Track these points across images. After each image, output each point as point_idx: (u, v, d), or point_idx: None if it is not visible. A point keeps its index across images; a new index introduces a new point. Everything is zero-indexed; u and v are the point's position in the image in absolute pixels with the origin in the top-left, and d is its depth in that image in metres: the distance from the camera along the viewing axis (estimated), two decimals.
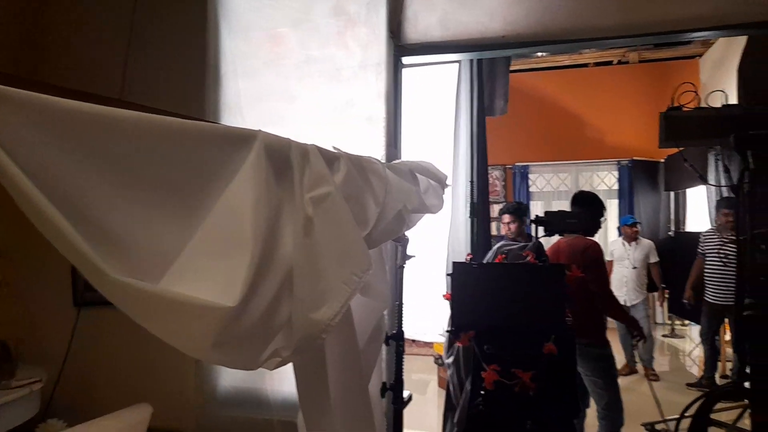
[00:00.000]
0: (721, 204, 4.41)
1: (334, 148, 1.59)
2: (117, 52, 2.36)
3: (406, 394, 2.51)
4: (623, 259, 5.73)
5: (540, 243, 1.87)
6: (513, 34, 2.11)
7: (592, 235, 2.96)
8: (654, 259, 5.68)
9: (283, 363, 1.35)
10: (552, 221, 1.83)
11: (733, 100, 2.89)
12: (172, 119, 0.91)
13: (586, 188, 8.71)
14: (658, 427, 4.16)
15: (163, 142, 0.91)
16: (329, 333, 1.32)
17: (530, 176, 8.76)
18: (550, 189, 8.78)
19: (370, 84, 2.21)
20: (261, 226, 1.21)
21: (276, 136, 1.35)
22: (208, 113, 2.24)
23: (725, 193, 4.43)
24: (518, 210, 3.51)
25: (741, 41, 6.60)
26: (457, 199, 3.18)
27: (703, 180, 2.47)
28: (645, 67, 8.19)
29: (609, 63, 8.61)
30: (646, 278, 5.66)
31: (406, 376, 5.22)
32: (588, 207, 2.88)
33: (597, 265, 2.77)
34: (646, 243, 5.75)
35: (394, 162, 1.97)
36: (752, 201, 2.36)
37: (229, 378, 2.34)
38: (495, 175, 8.89)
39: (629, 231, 5.77)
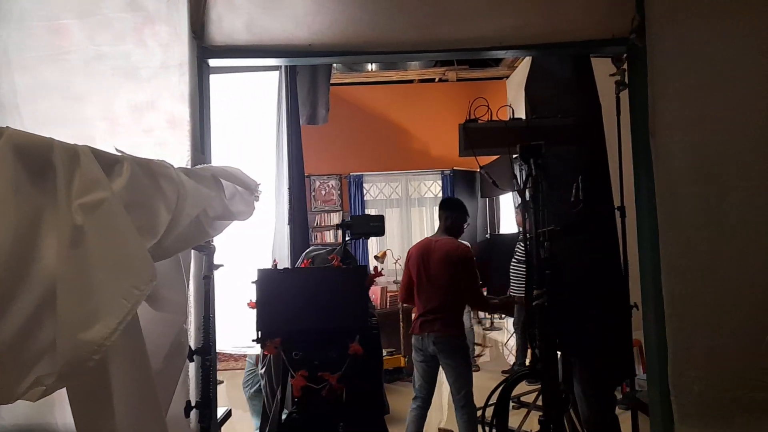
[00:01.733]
0: (517, 208, 5.03)
1: (117, 150, 1.44)
2: None
3: (223, 410, 2.38)
4: None
5: (346, 247, 1.89)
6: (318, 44, 2.12)
7: (457, 236, 3.20)
8: None
9: (49, 392, 1.17)
10: (356, 225, 1.87)
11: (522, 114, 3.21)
12: None
13: (415, 196, 9.25)
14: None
15: None
16: (102, 354, 1.18)
17: (365, 185, 9.02)
18: (383, 197, 9.13)
19: (172, 85, 2.07)
20: (5, 236, 1.04)
21: (32, 135, 1.18)
22: None
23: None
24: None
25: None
26: (280, 207, 3.13)
27: (496, 186, 2.71)
28: (462, 85, 8.93)
29: (432, 80, 9.23)
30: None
31: (233, 392, 4.97)
32: (451, 210, 3.15)
33: (468, 265, 3.03)
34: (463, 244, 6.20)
35: (195, 167, 1.86)
36: (535, 203, 2.64)
37: (7, 414, 2.01)
38: (331, 184, 9.01)
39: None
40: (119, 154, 1.41)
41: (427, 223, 9.18)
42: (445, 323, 3.08)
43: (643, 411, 2.49)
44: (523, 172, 2.68)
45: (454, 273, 3.10)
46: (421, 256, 3.20)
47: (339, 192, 8.99)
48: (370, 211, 8.85)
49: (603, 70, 3.14)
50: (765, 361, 1.99)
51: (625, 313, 2.95)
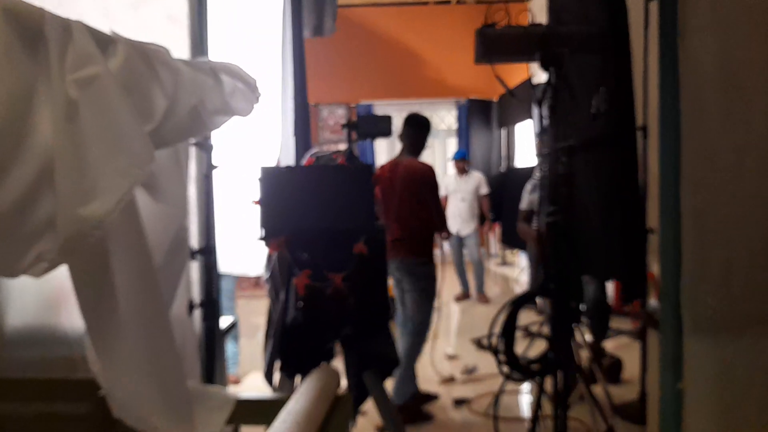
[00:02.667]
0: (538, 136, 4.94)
1: (113, 32, 1.43)
2: None
3: (228, 318, 2.47)
4: (456, 192, 6.16)
5: (351, 149, 1.90)
6: None
7: (419, 154, 3.19)
8: (484, 191, 6.15)
9: (51, 267, 1.22)
10: (363, 125, 1.86)
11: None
12: None
13: None
14: (483, 342, 4.60)
15: None
16: (102, 230, 1.21)
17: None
18: (394, 128, 9.03)
19: None
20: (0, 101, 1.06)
21: (22, 2, 1.17)
22: None
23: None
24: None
25: None
26: (285, 119, 3.12)
27: (511, 94, 2.68)
28: (481, 8, 8.61)
29: (448, 2, 8.92)
30: (478, 210, 6.13)
31: (245, 319, 5.13)
32: (415, 127, 3.12)
33: (433, 187, 3.06)
34: (476, 176, 6.21)
35: (193, 59, 1.84)
36: (553, 116, 2.61)
37: (16, 315, 2.10)
38: (339, 113, 8.93)
39: (458, 165, 6.20)
40: (113, 35, 1.40)
41: (439, 156, 9.13)
42: (409, 248, 3.09)
43: (655, 327, 2.55)
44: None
45: (419, 195, 3.09)
46: (389, 179, 3.18)
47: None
48: (381, 143, 8.80)
49: None
50: None
51: (640, 234, 2.97)
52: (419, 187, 3.13)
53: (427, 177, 3.12)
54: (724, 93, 2.13)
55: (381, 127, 1.89)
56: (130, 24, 2.05)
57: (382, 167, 3.32)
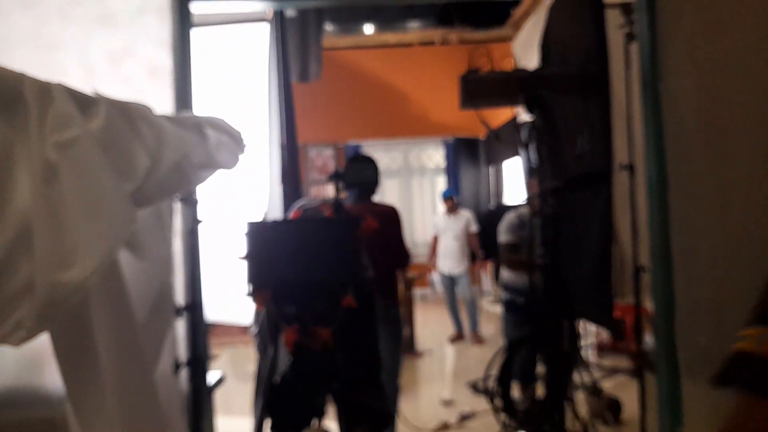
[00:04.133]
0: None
1: (95, 92, 1.43)
2: None
3: (216, 374, 2.41)
4: (446, 230, 6.14)
5: (338, 199, 1.89)
6: None
7: (373, 195, 3.10)
8: (473, 229, 6.14)
9: (30, 336, 1.18)
10: (348, 175, 1.87)
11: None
12: None
13: (415, 166, 9.22)
14: (479, 386, 4.53)
15: None
16: (82, 296, 1.18)
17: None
18: (382, 167, 9.09)
19: (151, 31, 2.05)
20: None
21: (3, 68, 1.17)
22: None
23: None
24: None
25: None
26: (273, 168, 3.12)
27: (498, 138, 2.69)
28: (464, 48, 8.81)
29: (432, 43, 9.12)
30: (468, 248, 6.12)
31: (237, 367, 5.01)
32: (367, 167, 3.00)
33: (397, 226, 3.01)
34: (465, 214, 6.21)
35: (177, 114, 1.85)
36: (539, 157, 2.63)
37: None
38: (327, 153, 8.99)
39: (447, 203, 6.20)
40: (95, 95, 1.41)
41: (427, 194, 9.17)
42: (380, 293, 2.95)
43: (650, 368, 2.53)
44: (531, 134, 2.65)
45: (385, 238, 2.93)
46: None
47: (336, 162, 8.97)
48: None
49: (613, 22, 3.10)
50: None
51: (607, 270, 2.96)
52: (386, 229, 3.01)
53: (393, 215, 3.00)
54: (707, 133, 2.16)
55: (366, 175, 1.89)
56: (113, 78, 2.06)
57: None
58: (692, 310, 2.18)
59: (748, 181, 2.11)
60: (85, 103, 1.35)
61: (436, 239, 6.30)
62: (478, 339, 6.14)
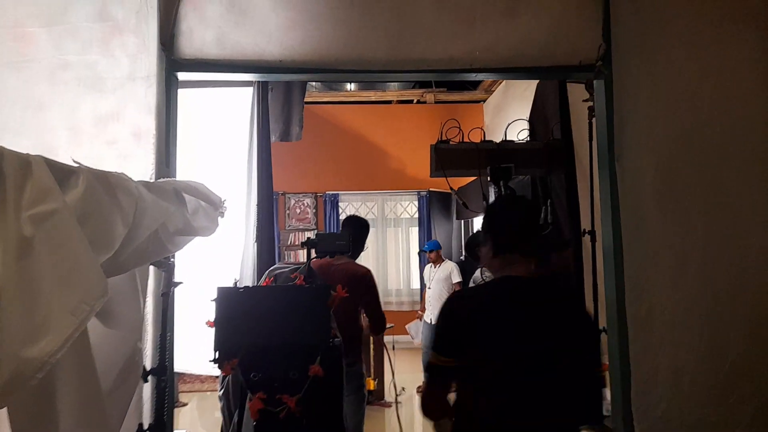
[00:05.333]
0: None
1: (74, 162, 1.42)
2: None
3: None
4: (429, 281, 6.20)
5: (311, 266, 1.88)
6: (290, 60, 2.14)
7: (357, 257, 3.03)
8: (455, 279, 6.14)
9: None
10: (322, 243, 1.86)
11: (498, 137, 3.19)
12: None
13: (391, 216, 9.27)
14: None
15: None
16: (46, 372, 1.14)
17: (340, 204, 9.00)
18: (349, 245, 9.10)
19: (138, 97, 2.05)
20: None
21: None
22: None
23: None
24: None
25: (515, 90, 7.62)
26: (249, 225, 3.10)
27: (466, 207, 2.72)
28: (439, 107, 9.04)
29: (410, 102, 9.33)
30: None
31: (205, 415, 4.82)
32: (358, 230, 2.90)
33: (373, 290, 2.92)
34: (448, 265, 6.26)
35: (156, 180, 1.84)
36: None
37: None
38: (306, 202, 8.98)
39: (430, 255, 6.30)
40: (76, 165, 1.39)
41: (402, 244, 9.19)
42: (345, 352, 2.76)
43: None
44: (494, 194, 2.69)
45: (357, 298, 2.80)
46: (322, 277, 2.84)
47: (314, 210, 8.96)
48: None
49: (578, 95, 3.21)
50: (729, 380, 2.02)
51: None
52: (359, 290, 2.79)
53: (369, 279, 2.89)
54: (663, 203, 2.22)
55: (339, 244, 1.89)
56: (98, 140, 2.05)
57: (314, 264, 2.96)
58: (652, 375, 2.18)
59: (703, 252, 2.17)
60: (64, 175, 1.33)
61: (424, 289, 6.38)
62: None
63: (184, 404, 5.51)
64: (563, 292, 1.60)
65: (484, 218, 1.60)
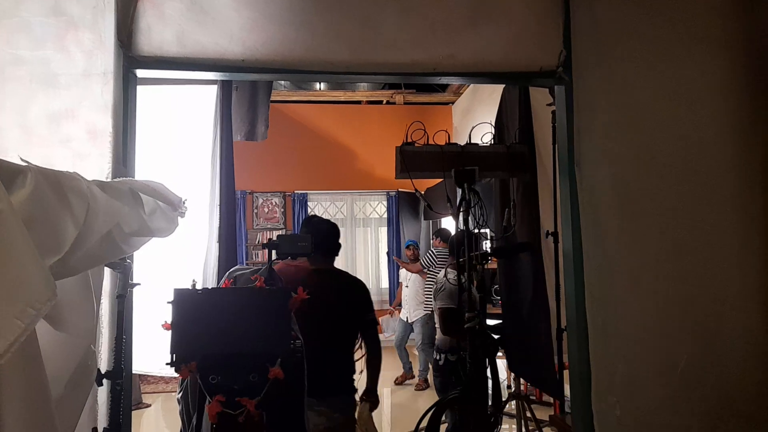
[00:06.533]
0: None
1: (22, 159, 1.37)
2: None
3: None
4: (405, 279, 6.28)
5: (272, 268, 1.85)
6: (252, 59, 2.11)
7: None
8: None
9: None
10: (283, 245, 1.84)
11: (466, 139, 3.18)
12: None
13: (360, 216, 9.25)
14: None
15: None
16: None
17: (309, 203, 8.95)
18: (327, 216, 9.07)
19: (95, 95, 1.99)
20: None
21: None
22: None
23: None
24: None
25: (483, 93, 7.69)
26: (213, 225, 3.05)
27: (431, 209, 2.73)
28: (408, 108, 9.07)
29: (380, 102, 9.33)
30: (424, 296, 6.16)
31: (170, 415, 4.72)
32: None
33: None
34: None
35: (111, 180, 1.79)
36: (467, 226, 2.68)
37: None
38: (275, 201, 8.89)
39: (407, 252, 6.45)
40: (24, 164, 1.34)
41: (371, 244, 9.18)
42: None
43: None
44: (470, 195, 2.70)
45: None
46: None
47: (283, 210, 8.88)
48: None
49: (542, 100, 3.25)
50: (680, 388, 2.07)
51: (547, 337, 3.03)
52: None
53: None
54: (621, 217, 2.26)
55: (301, 246, 1.87)
56: (52, 140, 1.98)
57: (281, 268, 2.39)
58: (608, 382, 2.22)
59: (656, 265, 2.21)
60: (11, 174, 1.27)
61: (401, 287, 6.49)
62: (422, 385, 6.14)
63: (148, 405, 5.39)
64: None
65: None
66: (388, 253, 8.54)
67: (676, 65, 2.20)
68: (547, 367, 3.02)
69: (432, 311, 6.26)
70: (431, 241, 6.60)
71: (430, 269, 5.81)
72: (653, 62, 2.25)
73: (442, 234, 5.98)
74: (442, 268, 5.92)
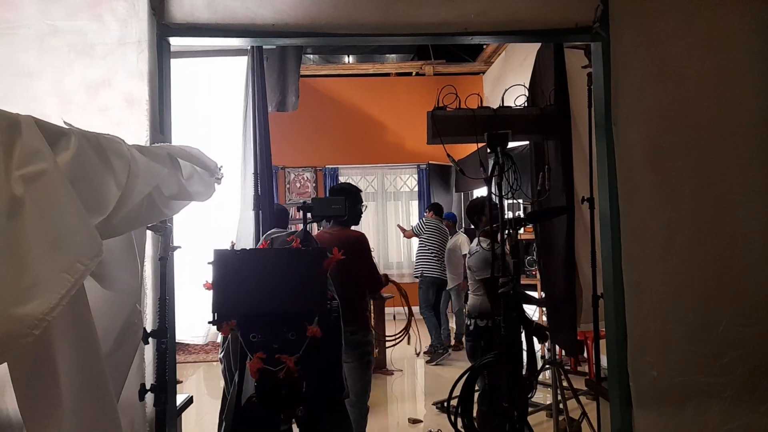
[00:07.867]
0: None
1: (66, 123, 1.40)
2: None
3: (183, 396, 2.34)
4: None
5: (308, 231, 1.87)
6: (282, 23, 2.10)
7: (355, 224, 3.00)
8: (464, 251, 6.19)
9: None
10: (317, 207, 1.85)
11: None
12: None
13: (391, 190, 9.24)
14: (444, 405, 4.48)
15: None
16: (41, 330, 1.14)
17: (340, 178, 8.98)
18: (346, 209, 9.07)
19: (130, 63, 2.02)
20: None
21: None
22: None
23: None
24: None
25: (514, 61, 7.52)
26: (246, 194, 3.09)
27: (462, 173, 2.69)
28: (438, 79, 8.93)
29: (409, 74, 9.22)
30: (459, 266, 6.21)
31: (211, 384, 4.88)
32: (348, 197, 2.83)
33: (364, 256, 2.89)
34: (458, 236, 6.45)
35: (151, 145, 1.82)
36: (501, 192, 2.64)
37: None
38: (306, 176, 8.96)
39: (447, 225, 6.63)
40: (67, 127, 1.37)
41: (403, 217, 9.18)
42: (345, 319, 2.70)
43: (606, 398, 2.53)
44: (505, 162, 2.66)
45: (351, 264, 2.75)
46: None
47: (314, 184, 8.95)
48: None
49: (576, 62, 3.15)
50: (714, 347, 2.02)
51: (570, 299, 2.99)
52: (352, 256, 2.80)
53: (359, 244, 2.93)
54: (654, 176, 2.20)
55: (335, 208, 1.88)
56: (89, 108, 2.02)
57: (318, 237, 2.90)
58: (642, 342, 2.19)
59: (691, 223, 2.15)
60: (55, 136, 1.31)
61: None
62: (430, 349, 6.22)
63: (179, 382, 5.57)
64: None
65: None
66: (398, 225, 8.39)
67: (713, 14, 2.10)
68: (569, 327, 2.99)
69: (421, 275, 6.43)
70: (425, 214, 7.19)
71: (419, 236, 6.59)
72: (690, 12, 2.15)
73: (435, 208, 6.72)
74: (430, 235, 6.46)
